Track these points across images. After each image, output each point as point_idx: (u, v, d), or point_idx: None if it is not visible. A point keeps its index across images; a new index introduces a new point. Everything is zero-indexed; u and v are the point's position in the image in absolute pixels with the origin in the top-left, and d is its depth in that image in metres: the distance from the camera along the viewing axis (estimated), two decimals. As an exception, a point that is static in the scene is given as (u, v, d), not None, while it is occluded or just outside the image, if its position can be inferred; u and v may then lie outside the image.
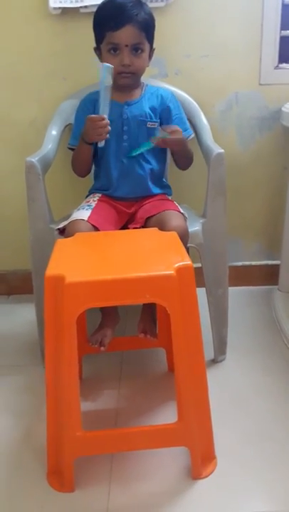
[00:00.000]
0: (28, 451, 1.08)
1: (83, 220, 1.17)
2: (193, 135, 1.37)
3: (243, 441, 1.09)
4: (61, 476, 0.98)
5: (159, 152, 1.32)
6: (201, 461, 0.99)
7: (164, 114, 1.30)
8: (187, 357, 0.94)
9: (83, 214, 1.20)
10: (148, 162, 1.29)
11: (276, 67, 1.56)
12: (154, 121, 1.28)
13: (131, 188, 1.28)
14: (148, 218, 1.21)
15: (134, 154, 1.25)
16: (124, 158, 1.28)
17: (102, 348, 1.16)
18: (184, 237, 1.16)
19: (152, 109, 1.29)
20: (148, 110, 1.28)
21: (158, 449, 1.04)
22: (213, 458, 1.02)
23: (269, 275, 1.72)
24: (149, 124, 1.28)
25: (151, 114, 1.28)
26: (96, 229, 1.17)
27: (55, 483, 0.99)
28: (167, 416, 1.14)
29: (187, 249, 1.17)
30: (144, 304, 1.21)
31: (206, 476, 0.99)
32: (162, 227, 1.14)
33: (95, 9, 1.26)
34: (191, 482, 0.99)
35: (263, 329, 1.52)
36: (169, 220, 1.15)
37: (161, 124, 1.30)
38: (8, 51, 1.53)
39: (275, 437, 1.10)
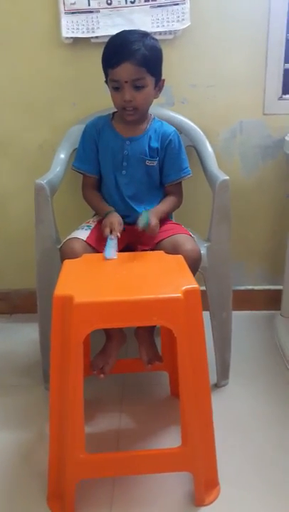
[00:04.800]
0: (28, 473, 1.07)
1: (79, 238, 1.19)
2: (191, 174, 1.36)
3: (246, 467, 1.08)
4: (62, 499, 0.97)
5: (157, 192, 1.35)
6: (204, 487, 0.98)
7: (164, 152, 1.31)
8: (192, 380, 0.94)
9: (81, 233, 1.22)
10: (146, 203, 1.31)
11: (280, 98, 1.60)
12: (153, 160, 1.30)
13: (132, 219, 1.30)
14: (158, 242, 1.22)
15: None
16: (124, 192, 1.30)
17: (101, 376, 1.16)
18: (198, 260, 1.17)
19: (153, 148, 1.29)
20: (148, 149, 1.29)
21: (161, 474, 1.03)
22: (217, 484, 1.01)
23: (271, 300, 1.73)
24: (148, 162, 1.29)
25: (151, 153, 1.29)
26: (93, 249, 1.18)
27: (55, 506, 0.97)
28: (169, 440, 1.13)
29: (196, 272, 1.18)
30: (138, 330, 1.20)
31: (210, 503, 0.98)
32: (176, 250, 1.15)
33: (105, 40, 1.29)
34: (194, 509, 0.97)
35: (265, 354, 1.52)
36: (183, 244, 1.16)
37: (160, 161, 1.31)
38: (21, 77, 1.58)
39: (279, 464, 1.09)
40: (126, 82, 1.18)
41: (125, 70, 1.17)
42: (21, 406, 1.30)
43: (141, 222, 1.16)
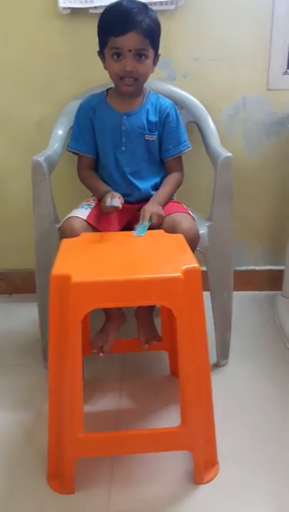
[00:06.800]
0: (29, 452, 1.07)
1: (79, 217, 1.17)
2: (190, 148, 1.32)
3: (245, 446, 1.08)
4: (62, 477, 0.97)
5: (157, 167, 1.31)
6: (203, 465, 0.98)
7: (162, 126, 1.28)
8: (192, 360, 0.93)
9: (81, 212, 1.20)
10: (148, 179, 1.29)
11: (285, 73, 1.56)
12: (153, 134, 1.27)
13: (135, 197, 1.28)
14: None
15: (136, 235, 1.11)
16: (125, 170, 1.27)
17: (101, 355, 1.15)
18: (196, 239, 1.15)
19: (150, 122, 1.26)
20: (146, 123, 1.25)
21: (160, 453, 1.03)
22: (216, 463, 1.01)
23: (273, 280, 1.71)
24: (148, 137, 1.26)
25: (150, 127, 1.26)
26: (94, 228, 1.16)
27: (55, 484, 0.98)
28: (169, 419, 1.13)
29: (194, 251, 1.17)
30: (138, 310, 1.19)
31: (208, 481, 0.98)
32: (173, 229, 1.13)
33: (103, 10, 1.25)
34: (192, 487, 0.98)
35: (265, 334, 1.51)
36: (181, 223, 1.14)
37: (159, 135, 1.28)
38: (16, 50, 1.53)
39: (278, 443, 1.09)
40: (129, 51, 1.15)
41: (131, 39, 1.14)
42: (22, 385, 1.29)
43: (139, 232, 1.11)
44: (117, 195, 1.19)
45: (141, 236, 1.10)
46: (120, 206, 1.14)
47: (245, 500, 0.95)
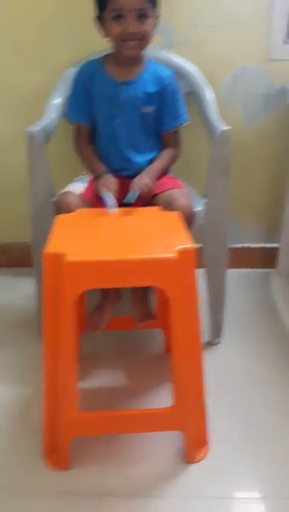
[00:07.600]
0: (26, 428, 1.08)
1: (75, 193, 1.14)
2: (188, 122, 1.28)
3: (236, 426, 1.09)
4: (57, 454, 0.98)
5: (155, 141, 1.27)
6: (194, 445, 0.99)
7: (161, 97, 1.23)
8: (184, 341, 0.93)
9: (77, 187, 1.17)
10: (145, 153, 1.25)
11: (285, 42, 1.49)
12: (150, 106, 1.22)
13: (131, 172, 1.24)
14: (153, 196, 1.17)
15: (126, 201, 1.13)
16: (119, 143, 1.23)
17: (97, 332, 1.15)
18: (191, 217, 1.13)
19: (149, 93, 1.21)
20: (143, 94, 1.20)
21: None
22: (206, 443, 1.02)
23: (267, 258, 1.70)
24: (144, 109, 1.21)
25: (148, 98, 1.21)
26: (89, 204, 1.14)
27: (51, 461, 0.99)
28: (163, 397, 1.13)
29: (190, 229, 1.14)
30: (134, 289, 1.18)
31: (199, 461, 1.00)
32: (168, 206, 1.11)
33: None
34: (183, 466, 0.99)
35: (259, 312, 1.51)
36: (176, 200, 1.12)
37: (158, 107, 1.23)
38: (9, 16, 1.45)
39: (267, 423, 1.09)
40: (130, 11, 1.10)
41: None
42: (19, 360, 1.29)
43: (129, 198, 1.11)
44: (113, 184, 1.15)
45: (116, 211, 1.07)
46: (117, 210, 1.09)
47: (235, 480, 0.96)
